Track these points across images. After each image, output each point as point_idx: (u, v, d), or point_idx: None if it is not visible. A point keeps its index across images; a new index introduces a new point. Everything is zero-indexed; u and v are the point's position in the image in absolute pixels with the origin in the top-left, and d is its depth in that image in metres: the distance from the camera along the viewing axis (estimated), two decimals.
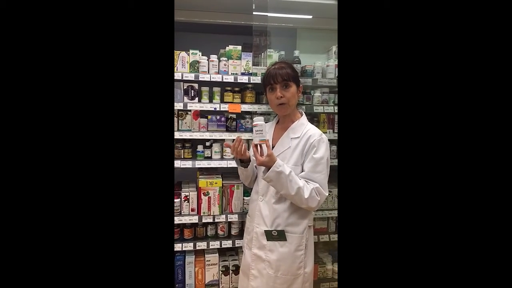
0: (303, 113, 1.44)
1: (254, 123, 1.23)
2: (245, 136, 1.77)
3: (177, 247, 1.76)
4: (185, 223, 1.78)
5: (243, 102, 1.80)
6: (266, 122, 1.53)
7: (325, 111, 1.83)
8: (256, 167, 1.46)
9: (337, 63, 1.87)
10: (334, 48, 2.05)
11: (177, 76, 1.68)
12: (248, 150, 1.48)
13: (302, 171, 1.31)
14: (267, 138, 1.25)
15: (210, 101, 1.79)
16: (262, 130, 1.22)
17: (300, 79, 1.40)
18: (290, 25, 2.13)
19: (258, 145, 1.24)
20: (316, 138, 1.29)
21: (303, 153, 1.31)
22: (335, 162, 1.71)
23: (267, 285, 1.34)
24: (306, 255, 1.36)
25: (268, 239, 1.34)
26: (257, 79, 1.76)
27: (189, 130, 1.77)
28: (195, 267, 1.82)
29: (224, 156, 1.82)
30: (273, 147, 1.38)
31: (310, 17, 2.15)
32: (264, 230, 1.35)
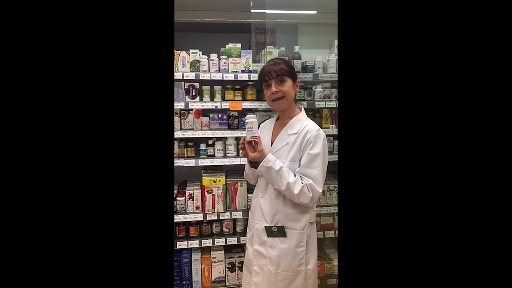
0: (303, 108, 1.43)
1: (246, 121, 1.29)
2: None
3: (183, 244, 1.79)
4: (190, 221, 1.80)
5: (244, 99, 1.81)
6: (268, 119, 1.55)
7: (327, 106, 1.82)
8: None
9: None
10: (336, 42, 2.03)
11: (178, 76, 1.70)
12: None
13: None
14: (258, 135, 1.29)
15: (212, 99, 1.81)
16: (253, 128, 1.27)
17: (299, 75, 1.39)
18: (291, 21, 2.12)
19: (251, 142, 1.29)
20: (313, 134, 1.29)
21: (301, 148, 1.30)
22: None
23: (269, 281, 1.35)
24: (308, 251, 1.35)
25: (268, 235, 1.35)
26: (258, 76, 1.76)
27: (192, 129, 1.78)
28: (201, 264, 1.85)
29: (226, 154, 1.83)
30: (272, 143, 1.39)
31: (314, 12, 2.13)
32: (264, 226, 1.36)
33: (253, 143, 1.29)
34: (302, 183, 1.26)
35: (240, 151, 1.36)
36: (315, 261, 1.41)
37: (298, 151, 1.31)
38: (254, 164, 1.39)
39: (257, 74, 1.71)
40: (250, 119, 1.28)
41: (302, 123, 1.34)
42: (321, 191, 1.28)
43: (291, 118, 1.37)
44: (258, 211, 1.40)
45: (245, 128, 1.78)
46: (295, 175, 1.28)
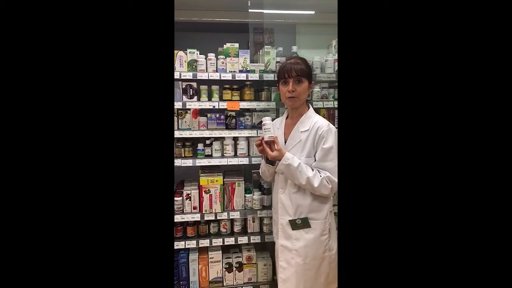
0: (310, 106, 1.48)
1: (262, 123, 1.39)
2: (245, 133, 1.78)
3: (181, 244, 1.78)
4: (187, 221, 1.80)
5: (242, 99, 1.81)
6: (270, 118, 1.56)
7: (325, 106, 1.82)
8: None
9: (336, 58, 1.85)
10: (334, 43, 2.03)
11: (175, 75, 1.69)
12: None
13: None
14: (275, 135, 1.38)
15: (209, 99, 1.80)
16: (269, 128, 1.37)
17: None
18: (289, 21, 2.12)
19: (269, 142, 1.37)
20: (324, 129, 1.36)
21: (314, 144, 1.37)
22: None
23: (297, 274, 1.40)
24: (330, 238, 1.42)
25: (293, 228, 1.41)
26: (255, 76, 1.76)
27: (189, 129, 1.78)
28: (198, 265, 1.84)
29: (224, 154, 1.82)
30: (285, 142, 1.45)
31: (312, 12, 2.13)
32: (289, 220, 1.42)
33: (271, 143, 1.37)
34: (321, 176, 1.33)
35: (256, 147, 1.44)
36: (336, 244, 1.46)
37: (312, 147, 1.38)
38: (270, 161, 1.45)
39: (256, 74, 1.73)
40: (267, 120, 1.38)
41: (312, 119, 1.41)
42: None
43: (301, 115, 1.44)
44: (281, 206, 1.46)
45: (243, 128, 1.80)
46: (312, 170, 1.35)
